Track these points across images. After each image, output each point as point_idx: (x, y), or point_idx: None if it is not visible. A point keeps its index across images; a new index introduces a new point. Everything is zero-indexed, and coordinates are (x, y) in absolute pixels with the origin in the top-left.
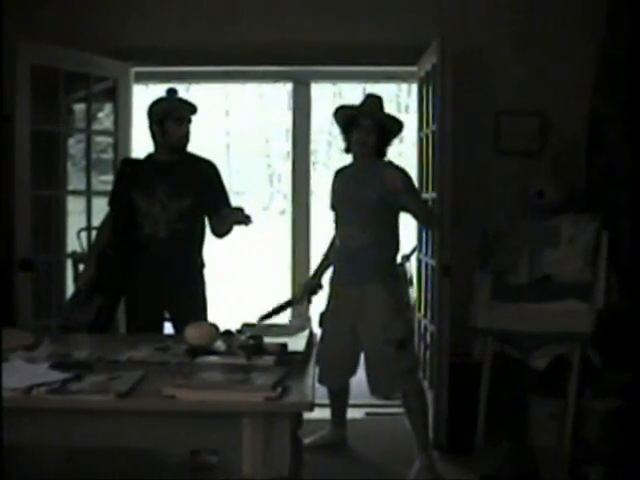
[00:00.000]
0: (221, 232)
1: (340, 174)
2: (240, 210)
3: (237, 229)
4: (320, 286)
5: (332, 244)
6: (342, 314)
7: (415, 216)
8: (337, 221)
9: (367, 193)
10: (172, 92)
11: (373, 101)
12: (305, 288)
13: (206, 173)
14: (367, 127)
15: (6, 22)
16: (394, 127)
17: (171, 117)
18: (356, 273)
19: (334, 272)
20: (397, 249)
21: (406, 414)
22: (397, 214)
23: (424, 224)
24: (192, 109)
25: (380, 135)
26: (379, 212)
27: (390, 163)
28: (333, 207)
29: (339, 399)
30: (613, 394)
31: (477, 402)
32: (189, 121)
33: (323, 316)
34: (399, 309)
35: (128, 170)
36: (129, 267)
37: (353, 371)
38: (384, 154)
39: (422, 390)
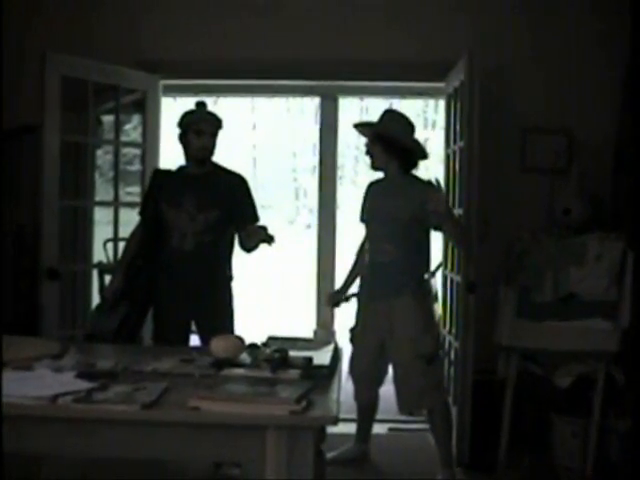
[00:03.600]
0: (248, 247)
1: (372, 187)
2: (264, 229)
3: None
4: (346, 299)
5: (358, 257)
6: (371, 329)
7: (450, 236)
8: (367, 235)
9: (399, 209)
10: (201, 105)
11: (386, 114)
12: (329, 299)
13: (236, 186)
14: (369, 137)
15: (36, 32)
16: (396, 130)
17: (192, 129)
18: (385, 288)
19: (362, 286)
20: (427, 265)
21: (431, 430)
22: (428, 231)
23: (459, 245)
24: (217, 123)
25: (385, 143)
26: (410, 228)
27: (429, 182)
28: (362, 220)
29: (367, 414)
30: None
31: (500, 419)
32: (214, 135)
33: (353, 332)
34: (428, 324)
35: (158, 181)
36: (157, 278)
37: (380, 383)
38: (408, 166)
39: (448, 406)
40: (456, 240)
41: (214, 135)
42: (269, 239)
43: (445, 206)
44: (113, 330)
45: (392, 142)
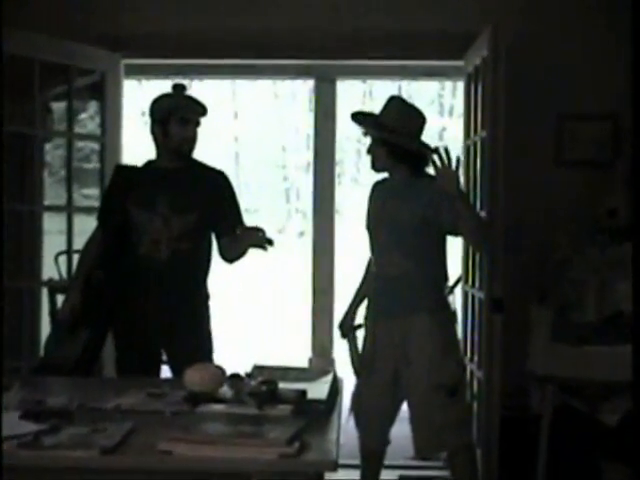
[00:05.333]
0: (232, 256)
1: (377, 188)
2: (258, 230)
3: (249, 253)
4: (359, 326)
5: (367, 272)
6: (382, 357)
7: (464, 229)
8: (372, 245)
9: (407, 212)
10: (179, 88)
11: (390, 104)
12: (345, 333)
13: (216, 185)
14: (372, 136)
15: None
16: (403, 127)
17: (175, 117)
18: (397, 305)
19: (370, 306)
20: (444, 277)
21: (452, 476)
22: (443, 238)
23: (475, 241)
24: (201, 110)
25: (390, 147)
26: (422, 235)
27: (435, 149)
28: (369, 227)
29: (374, 460)
30: None
31: (534, 464)
32: (197, 124)
33: (358, 361)
34: (450, 348)
35: (123, 179)
36: (120, 294)
37: (393, 422)
38: (418, 169)
39: (472, 449)
40: (471, 235)
41: (198, 124)
42: (265, 242)
43: (456, 184)
44: (73, 360)
45: (398, 147)
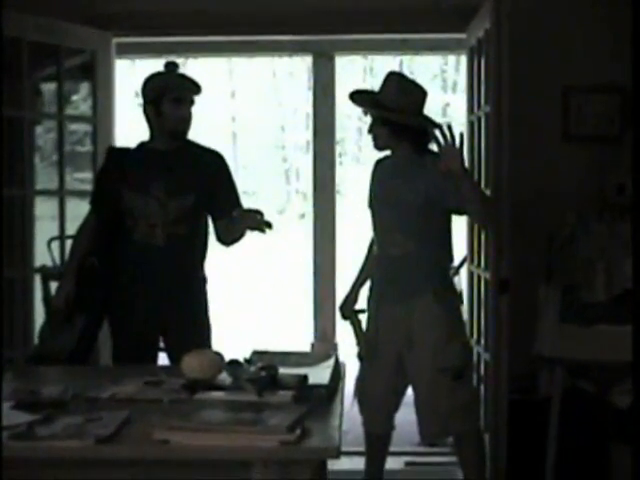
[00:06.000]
0: (230, 239)
1: (379, 166)
2: (257, 213)
3: (247, 236)
4: (361, 310)
5: (369, 253)
6: (385, 340)
7: (469, 208)
8: (375, 225)
9: (410, 190)
10: (171, 66)
11: (389, 80)
12: (346, 315)
13: (212, 166)
14: (372, 116)
15: None
16: (404, 105)
17: (168, 96)
18: (400, 287)
19: (373, 288)
20: (449, 259)
21: (459, 463)
22: (448, 217)
23: (481, 220)
24: (195, 88)
25: (392, 126)
26: (425, 214)
27: (439, 126)
28: (371, 206)
29: (379, 446)
30: None
31: (543, 448)
32: (191, 102)
33: (363, 344)
34: (455, 330)
35: (116, 161)
36: (115, 280)
37: (398, 407)
38: (422, 145)
39: (480, 433)
40: (476, 214)
41: (192, 103)
42: (264, 225)
43: (460, 161)
44: (69, 349)
45: (400, 125)
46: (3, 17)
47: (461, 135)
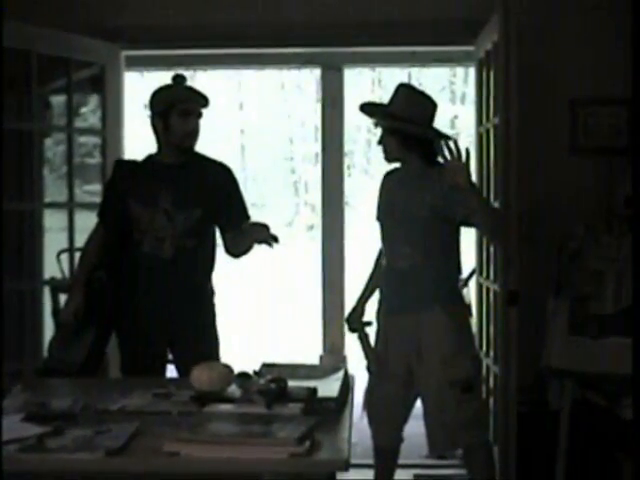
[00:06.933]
0: (238, 251)
1: (388, 178)
2: (264, 227)
3: (256, 248)
4: (368, 323)
5: (377, 264)
6: (394, 353)
7: (479, 222)
8: (383, 237)
9: (418, 203)
10: (179, 79)
11: (399, 92)
12: (353, 327)
13: (220, 179)
14: (383, 127)
15: None
16: (414, 116)
17: (176, 109)
18: (409, 299)
19: (381, 300)
20: (457, 271)
21: (468, 475)
22: (456, 229)
23: (491, 234)
24: (203, 101)
25: (402, 137)
26: (433, 226)
27: (446, 136)
28: (379, 219)
29: (387, 459)
30: None
31: (553, 461)
32: (199, 115)
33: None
34: (464, 341)
35: (123, 174)
36: (124, 293)
37: (406, 420)
38: (432, 157)
39: (489, 445)
40: (484, 227)
41: (200, 116)
42: (271, 239)
43: (466, 176)
44: (79, 362)
45: (410, 136)
46: (12, 30)
47: (467, 150)
